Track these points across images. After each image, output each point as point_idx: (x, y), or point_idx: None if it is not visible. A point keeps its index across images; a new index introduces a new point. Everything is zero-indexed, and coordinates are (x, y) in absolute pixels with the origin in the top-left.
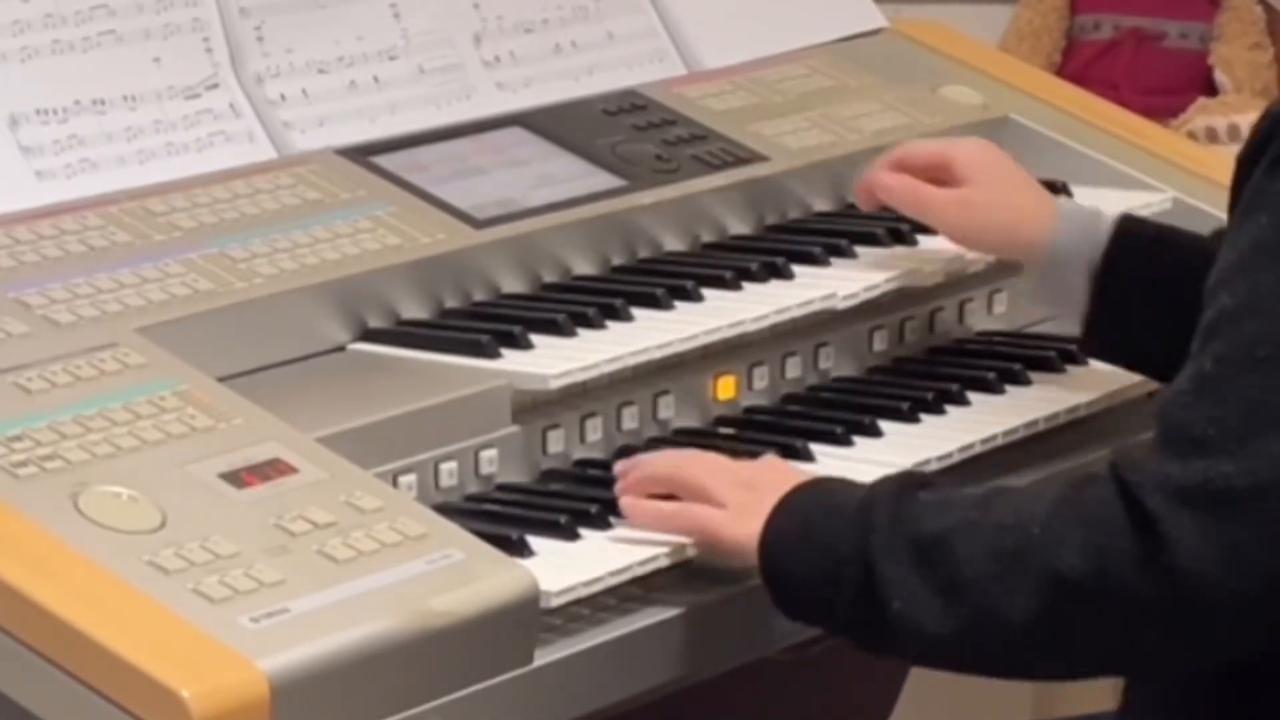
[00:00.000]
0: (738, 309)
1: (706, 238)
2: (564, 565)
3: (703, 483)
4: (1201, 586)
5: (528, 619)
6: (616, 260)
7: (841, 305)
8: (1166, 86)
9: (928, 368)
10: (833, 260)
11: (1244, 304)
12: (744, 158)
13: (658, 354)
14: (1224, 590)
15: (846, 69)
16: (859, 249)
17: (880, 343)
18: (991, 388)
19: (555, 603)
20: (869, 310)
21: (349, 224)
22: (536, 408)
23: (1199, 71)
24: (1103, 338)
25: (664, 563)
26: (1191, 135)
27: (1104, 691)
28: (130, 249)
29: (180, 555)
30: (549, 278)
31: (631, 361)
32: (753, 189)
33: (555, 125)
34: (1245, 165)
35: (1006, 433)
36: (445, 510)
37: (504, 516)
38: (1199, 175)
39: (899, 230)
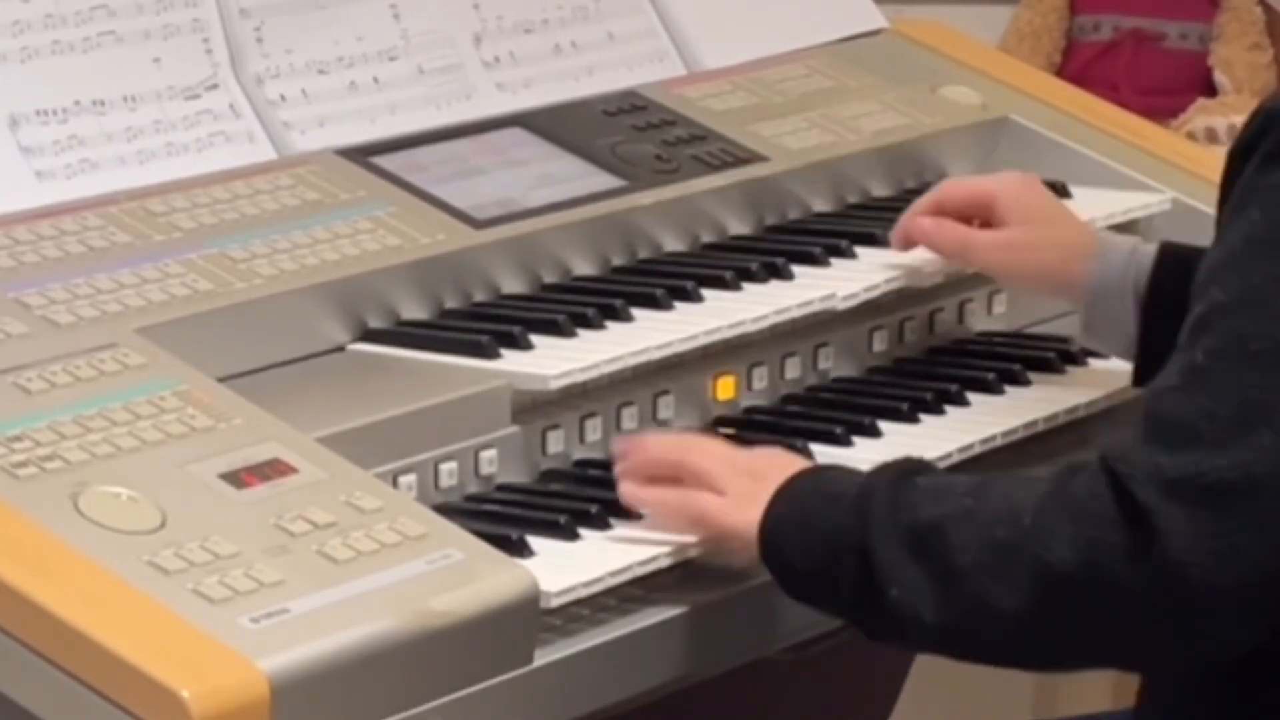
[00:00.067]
0: (738, 309)
1: (706, 238)
2: (564, 565)
3: (705, 468)
4: (1192, 579)
5: (528, 619)
6: (616, 260)
7: (841, 305)
8: (1166, 87)
9: (927, 368)
10: (833, 260)
11: (1236, 298)
12: (744, 158)
13: (658, 354)
14: (1215, 583)
15: (846, 69)
16: (859, 249)
17: (880, 343)
18: (991, 388)
19: (555, 603)
20: (869, 310)
21: (349, 224)
22: (536, 408)
23: (1199, 72)
24: (1156, 366)
25: (664, 563)
26: (1191, 136)
27: (1104, 691)
28: (130, 249)
29: (180, 555)
30: (549, 278)
31: (631, 362)
32: (752, 189)
33: (555, 125)
34: (1236, 160)
35: (1006, 433)
36: (445, 510)
37: (504, 516)
38: (1199, 176)
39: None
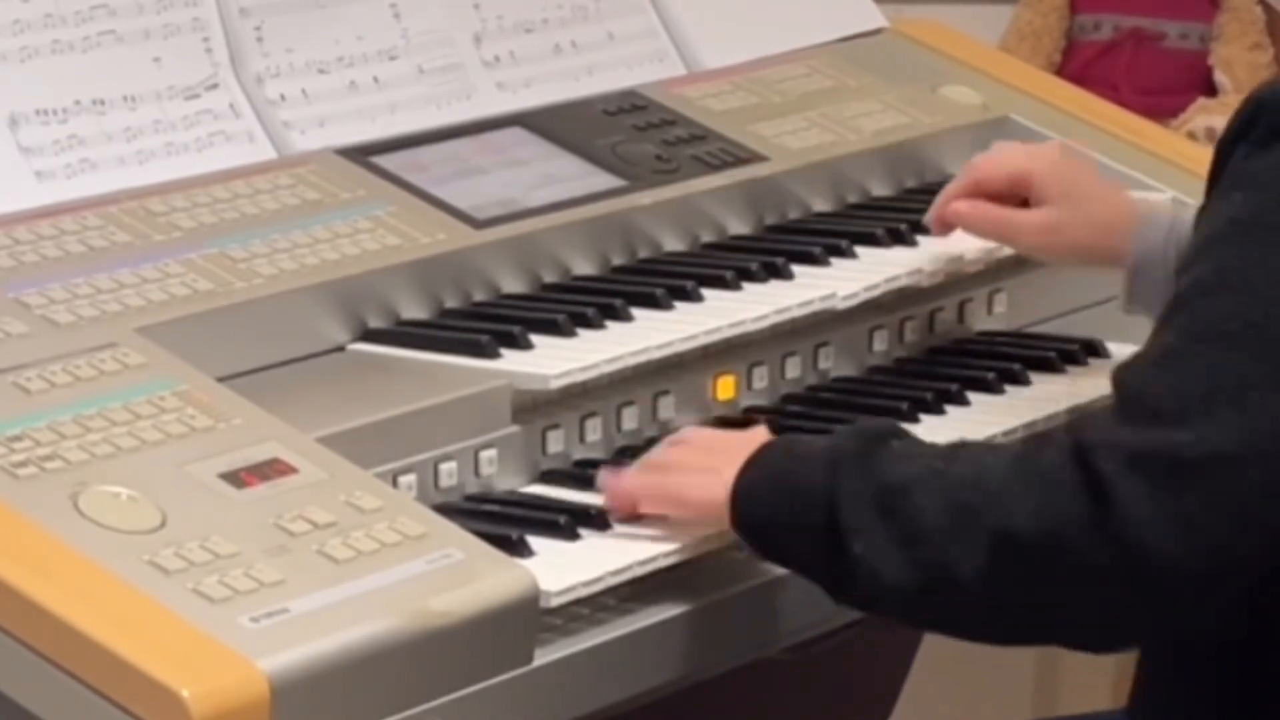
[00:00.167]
0: (738, 309)
1: (706, 238)
2: (564, 565)
3: (673, 456)
4: (1149, 554)
5: (527, 619)
6: (616, 260)
7: (841, 305)
8: (1166, 86)
9: (927, 368)
10: (833, 260)
11: (1214, 278)
12: (744, 158)
13: (658, 354)
14: (1171, 560)
15: (846, 69)
16: (859, 249)
17: (880, 343)
18: (991, 388)
19: (555, 603)
20: (869, 310)
21: (349, 224)
22: (536, 408)
23: (1199, 72)
24: None
25: (664, 563)
26: (1191, 135)
27: (1104, 691)
28: (130, 249)
29: (180, 555)
30: (549, 278)
31: (631, 361)
32: (752, 189)
33: (555, 125)
34: (1225, 147)
35: (1006, 433)
36: (445, 510)
37: (504, 516)
38: (1199, 175)
39: (899, 230)
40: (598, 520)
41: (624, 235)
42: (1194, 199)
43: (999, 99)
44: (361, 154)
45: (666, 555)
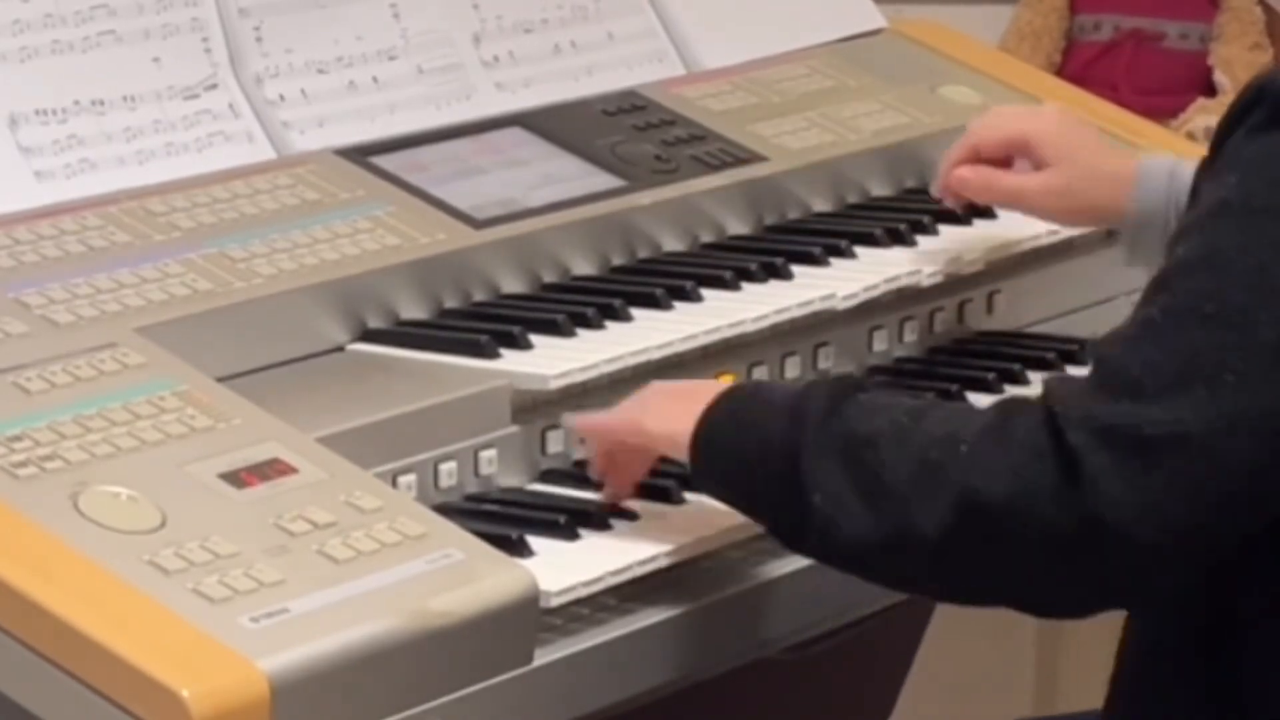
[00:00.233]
0: (737, 309)
1: (706, 238)
2: (564, 565)
3: (638, 396)
4: (1112, 527)
5: (527, 619)
6: (616, 260)
7: (841, 305)
8: (1166, 87)
9: (927, 368)
10: (832, 260)
11: (1199, 258)
12: (743, 158)
13: (657, 354)
14: (1134, 533)
15: (846, 69)
16: (858, 249)
17: (880, 343)
18: (991, 388)
19: (555, 603)
20: (869, 310)
21: (348, 224)
22: (536, 408)
23: (1199, 72)
24: None
25: (664, 563)
26: (1191, 136)
27: (1103, 691)
28: (130, 249)
29: (180, 555)
30: (549, 278)
31: (631, 362)
32: (752, 189)
33: (555, 125)
34: (1225, 128)
35: None
36: (445, 510)
37: (504, 516)
38: None
39: (898, 230)
40: (598, 520)
41: (624, 235)
42: None
43: (999, 99)
44: (361, 154)
45: (666, 555)
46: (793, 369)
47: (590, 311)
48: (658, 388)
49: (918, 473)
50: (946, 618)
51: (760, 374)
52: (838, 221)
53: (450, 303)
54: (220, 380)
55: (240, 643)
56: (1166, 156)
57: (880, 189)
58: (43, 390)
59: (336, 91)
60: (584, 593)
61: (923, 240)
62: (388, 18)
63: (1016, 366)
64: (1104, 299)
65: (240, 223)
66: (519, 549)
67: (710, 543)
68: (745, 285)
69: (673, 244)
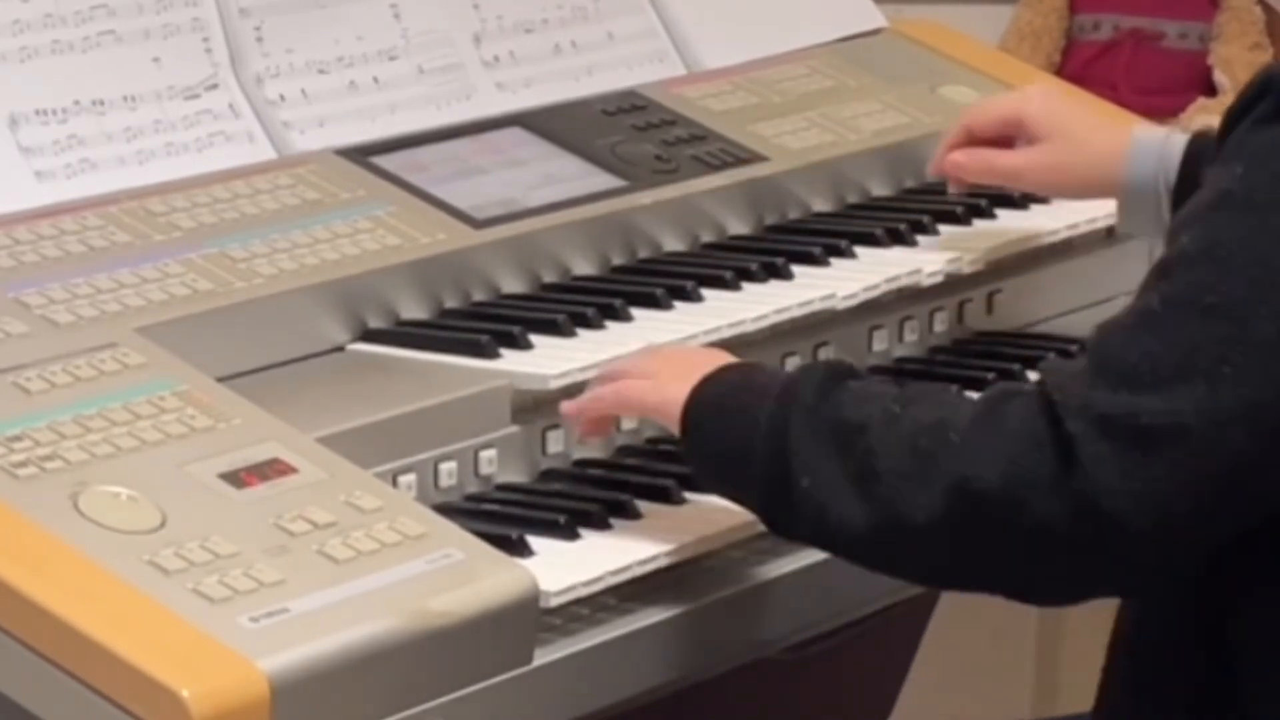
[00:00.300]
0: (737, 309)
1: (706, 238)
2: (564, 565)
3: (628, 363)
4: (1108, 516)
5: (527, 619)
6: (616, 260)
7: (841, 305)
8: (1166, 86)
9: (927, 368)
10: (832, 260)
11: (1201, 248)
12: (744, 158)
13: None
14: (1129, 524)
15: (846, 69)
16: (858, 249)
17: (880, 343)
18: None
19: (555, 603)
20: (869, 310)
21: (349, 224)
22: (536, 408)
23: (1198, 71)
24: None
25: (664, 563)
26: None
27: None
28: (130, 249)
29: (180, 555)
30: (549, 278)
31: None
32: (752, 189)
33: (555, 125)
34: (1232, 118)
35: None
36: (445, 510)
37: (504, 516)
38: None
39: (898, 230)
40: (598, 520)
41: (624, 235)
42: None
43: None
44: (361, 154)
45: (666, 555)
46: (793, 368)
47: (590, 311)
48: (643, 356)
49: (908, 460)
50: (946, 618)
51: None
52: (838, 221)
53: (450, 303)
54: (220, 380)
55: (240, 643)
56: (1158, 129)
57: (880, 189)
58: (43, 390)
59: (337, 91)
60: (584, 593)
61: (923, 240)
62: (388, 18)
63: (1016, 366)
64: (1104, 299)
65: (241, 223)
66: (519, 549)
67: (710, 543)
68: (745, 285)
69: (673, 244)
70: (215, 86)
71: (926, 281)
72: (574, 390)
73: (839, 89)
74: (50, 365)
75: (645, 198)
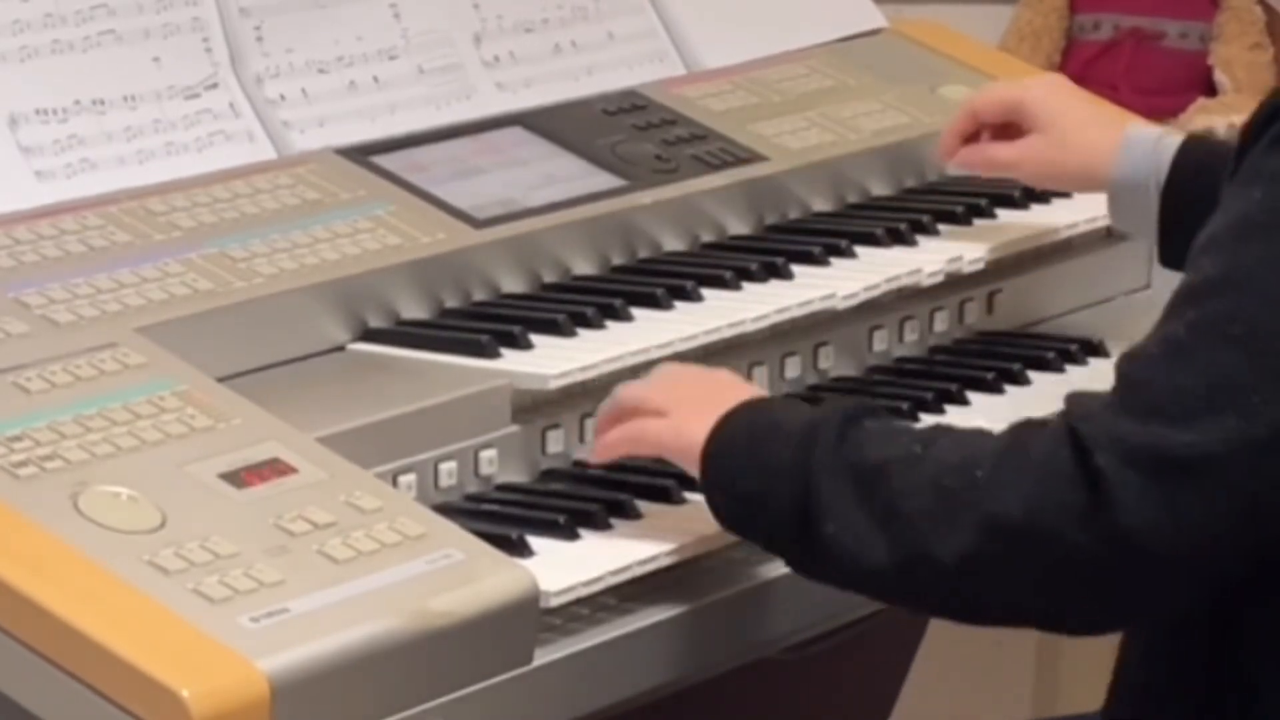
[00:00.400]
0: (737, 309)
1: (706, 238)
2: (564, 565)
3: (640, 396)
4: (1139, 549)
5: (527, 619)
6: (616, 260)
7: (841, 305)
8: (1166, 86)
9: (927, 368)
10: (832, 260)
11: (1225, 276)
12: (744, 158)
13: (657, 354)
14: (1160, 555)
15: (846, 69)
16: (859, 249)
17: (880, 343)
18: (991, 388)
19: (555, 603)
20: (869, 310)
21: (349, 224)
22: (536, 408)
23: (1199, 71)
24: (1175, 250)
25: (664, 563)
26: None
27: (1104, 691)
28: (130, 249)
29: (180, 555)
30: (549, 278)
31: (631, 361)
32: (752, 189)
33: (555, 125)
34: (1246, 140)
35: None
36: (445, 510)
37: (504, 516)
38: None
39: (899, 230)
40: (598, 520)
41: (624, 235)
42: None
43: None
44: (361, 154)
45: (666, 555)
46: (793, 369)
47: (591, 311)
48: (657, 386)
49: (933, 500)
50: None
51: (760, 373)
52: (838, 221)
53: (451, 302)
54: (220, 380)
55: (240, 643)
56: (1154, 128)
57: (880, 189)
58: (43, 390)
59: (337, 91)
60: (584, 593)
61: (923, 240)
62: (388, 18)
63: (1016, 366)
64: (1104, 299)
65: (241, 222)
66: (519, 549)
67: (710, 543)
68: (745, 285)
69: (673, 244)
70: (215, 86)
71: (926, 281)
72: (574, 390)
73: (839, 89)
74: (50, 365)
75: (645, 197)
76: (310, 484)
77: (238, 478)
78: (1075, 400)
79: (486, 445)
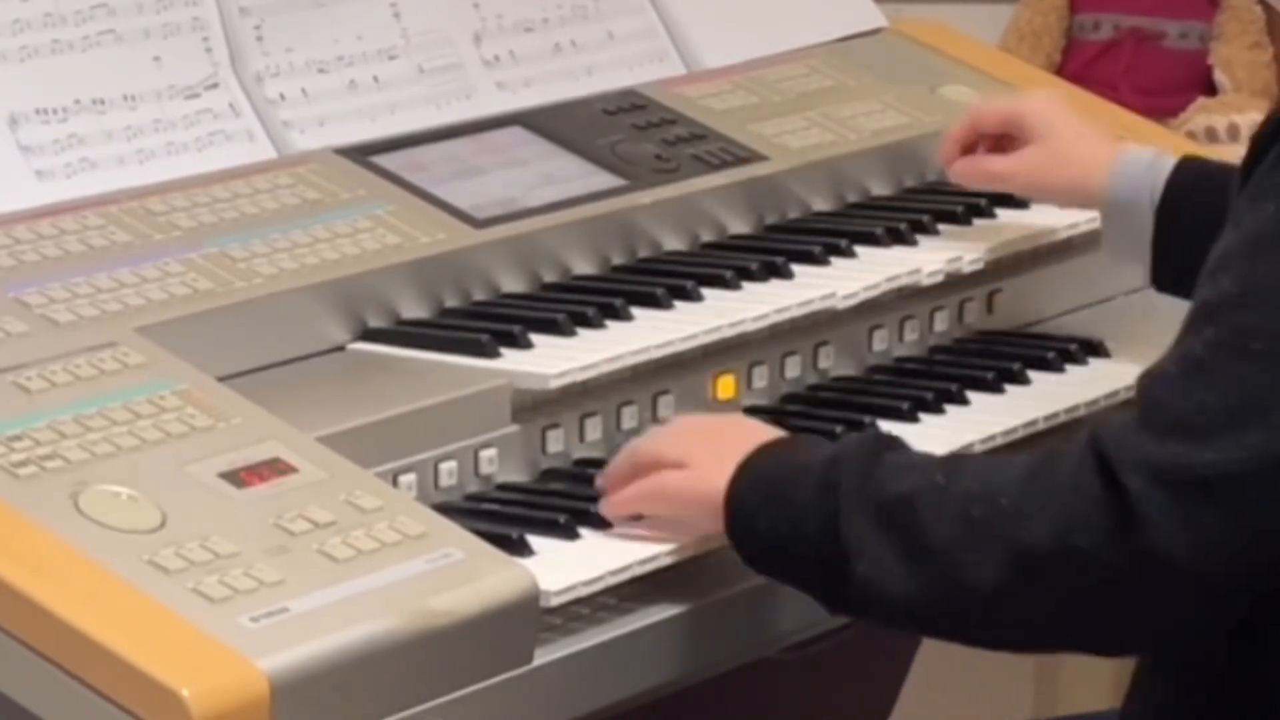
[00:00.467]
0: (738, 309)
1: (706, 237)
2: (564, 565)
3: (657, 450)
4: (1170, 566)
5: (528, 618)
6: (616, 260)
7: (841, 305)
8: (1166, 86)
9: (927, 368)
10: (832, 260)
11: (1242, 292)
12: (744, 157)
13: (657, 354)
14: (1192, 572)
15: (846, 69)
16: (859, 249)
17: (880, 342)
18: (991, 387)
19: (555, 602)
20: (869, 310)
21: (349, 224)
22: (536, 407)
23: (1198, 71)
24: (1169, 272)
25: (664, 562)
26: (1191, 135)
27: (1104, 691)
28: (130, 249)
29: (180, 555)
30: (549, 277)
31: (631, 361)
32: (753, 189)
33: (555, 125)
34: (1255, 153)
35: (1006, 432)
36: (445, 510)
37: (504, 516)
38: None
39: (899, 230)
40: (598, 520)
41: (624, 235)
42: None
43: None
44: (361, 154)
45: (666, 555)
46: (793, 368)
47: (591, 311)
48: (694, 433)
49: (961, 531)
50: None
51: (760, 373)
52: (838, 221)
53: (451, 302)
54: (220, 380)
55: (240, 642)
56: (1148, 149)
57: (880, 189)
58: (43, 390)
59: (337, 91)
60: (584, 592)
61: (923, 240)
62: (388, 17)
63: (1016, 366)
64: (1104, 299)
65: (241, 222)
66: (519, 548)
67: (711, 542)
68: (746, 284)
69: (673, 243)
70: (215, 86)
71: (926, 281)
72: (574, 390)
73: (839, 89)
74: (50, 365)
75: (645, 197)
76: (310, 483)
77: (238, 477)
78: (1098, 423)
79: (486, 445)
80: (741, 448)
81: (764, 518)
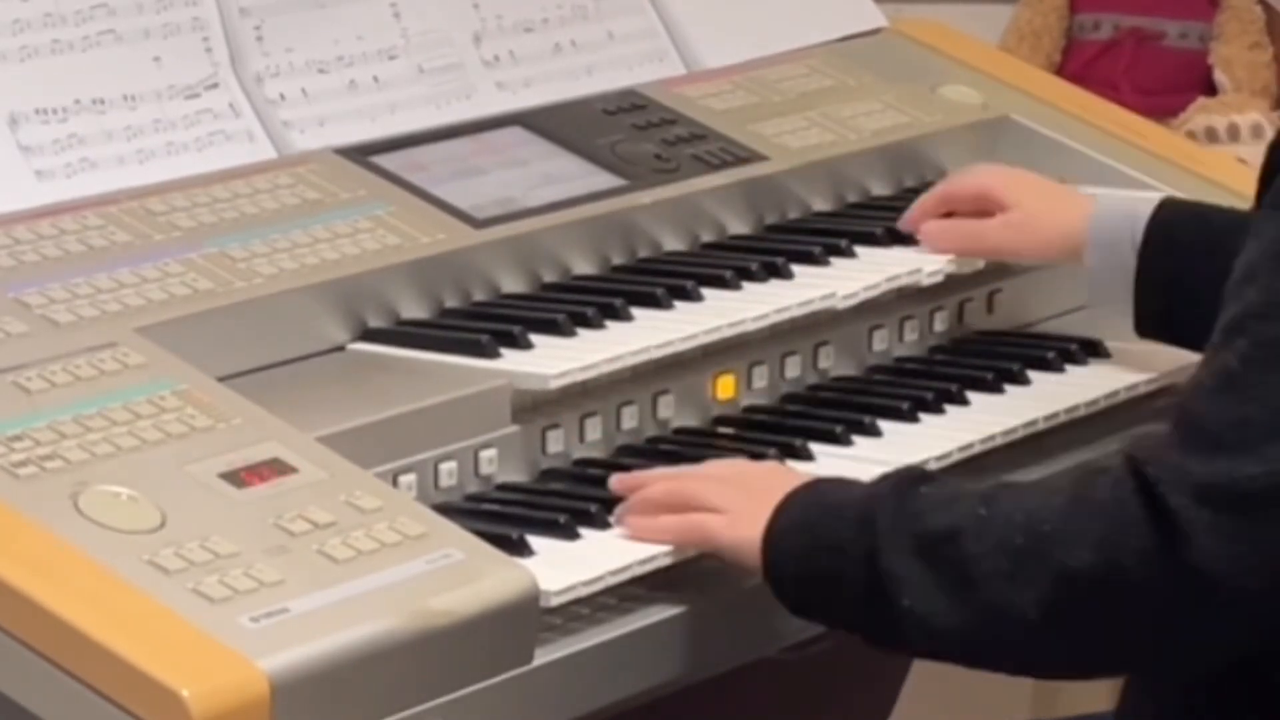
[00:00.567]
0: (737, 309)
1: (706, 238)
2: (564, 565)
3: (699, 494)
4: (1216, 583)
5: (528, 618)
6: (616, 260)
7: (841, 305)
8: (1166, 86)
9: (927, 367)
10: (832, 260)
11: (1267, 301)
12: (744, 157)
13: (657, 354)
14: (1238, 588)
15: (846, 69)
16: (859, 249)
17: (880, 343)
18: (991, 388)
19: (555, 602)
20: (869, 310)
21: (349, 224)
22: (536, 408)
23: (1199, 71)
24: (1152, 317)
25: (664, 562)
26: (1191, 135)
27: (1103, 691)
28: (130, 249)
29: (180, 555)
30: (549, 278)
31: (631, 361)
32: (752, 189)
33: (555, 125)
34: (1272, 162)
35: (1006, 432)
36: (445, 510)
37: (504, 516)
38: (1199, 175)
39: (899, 230)
40: (598, 520)
41: (624, 235)
42: (1194, 198)
43: (999, 99)
44: (361, 154)
45: (667, 555)
46: (793, 368)
47: (591, 311)
48: (736, 480)
49: (1006, 561)
50: None
51: (760, 373)
52: (838, 221)
53: (451, 302)
54: (220, 380)
55: (240, 642)
56: (1124, 194)
57: (880, 189)
58: (43, 390)
59: (337, 91)
60: (584, 592)
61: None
62: (388, 17)
63: (1016, 366)
64: None
65: (240, 222)
66: (519, 548)
67: None
68: (745, 285)
69: (673, 243)
70: (215, 86)
71: (926, 281)
72: (574, 390)
73: (839, 89)
74: (50, 365)
75: (645, 197)
76: (310, 484)
77: (238, 477)
78: (1136, 442)
79: (486, 445)
80: (775, 494)
81: (802, 558)
